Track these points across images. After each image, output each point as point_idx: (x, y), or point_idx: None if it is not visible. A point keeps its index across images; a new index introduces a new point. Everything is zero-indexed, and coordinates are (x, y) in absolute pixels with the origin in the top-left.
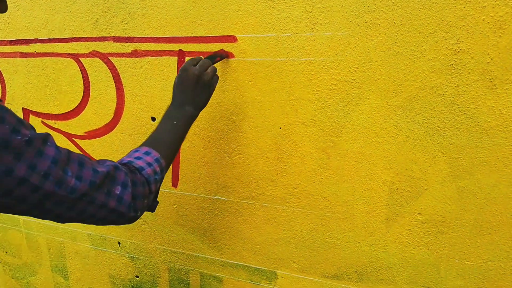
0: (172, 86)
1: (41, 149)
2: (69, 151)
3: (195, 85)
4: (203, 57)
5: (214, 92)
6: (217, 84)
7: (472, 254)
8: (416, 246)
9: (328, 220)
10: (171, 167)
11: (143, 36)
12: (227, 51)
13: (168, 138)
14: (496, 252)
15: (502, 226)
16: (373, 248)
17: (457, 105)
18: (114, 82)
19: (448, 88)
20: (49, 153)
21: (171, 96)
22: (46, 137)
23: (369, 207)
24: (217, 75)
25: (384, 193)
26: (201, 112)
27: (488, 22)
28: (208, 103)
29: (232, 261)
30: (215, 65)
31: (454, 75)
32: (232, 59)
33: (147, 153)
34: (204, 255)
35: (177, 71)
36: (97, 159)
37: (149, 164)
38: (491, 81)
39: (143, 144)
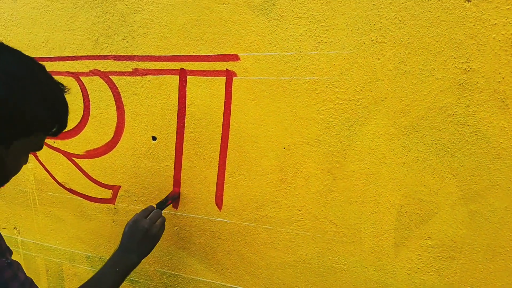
0: (127, 226)
1: (16, 272)
2: (32, 281)
3: (143, 237)
4: (155, 206)
5: (217, 111)
6: (217, 104)
7: (485, 280)
8: (426, 272)
9: (334, 244)
10: (172, 187)
11: (144, 54)
12: (178, 190)
13: (107, 284)
14: (510, 278)
15: None
16: (381, 273)
17: (468, 125)
18: (115, 101)
19: (458, 108)
20: (21, 277)
21: (172, 116)
22: (19, 265)
23: (376, 231)
24: (164, 225)
25: (393, 216)
26: (203, 132)
27: (499, 40)
28: (210, 123)
29: (234, 286)
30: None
31: (464, 95)
32: (235, 78)
33: None
34: (205, 279)
35: (179, 90)
36: (97, 179)
37: None
38: (503, 101)
39: (84, 285)
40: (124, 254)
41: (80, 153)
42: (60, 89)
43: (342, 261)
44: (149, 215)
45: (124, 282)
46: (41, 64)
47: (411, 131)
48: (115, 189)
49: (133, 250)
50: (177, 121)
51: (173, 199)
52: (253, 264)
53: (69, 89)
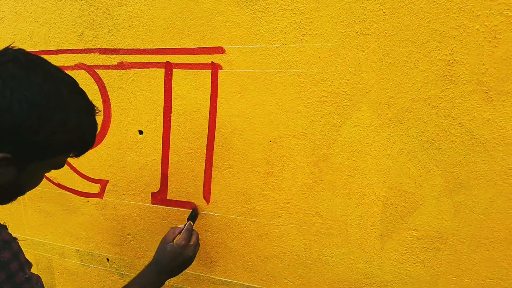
0: (169, 246)
1: (34, 287)
2: None
3: (183, 265)
4: (192, 223)
5: (203, 104)
6: (204, 97)
7: (470, 271)
8: (412, 263)
9: (321, 236)
10: (159, 181)
11: (129, 47)
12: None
13: None
14: (495, 269)
15: (500, 242)
16: (368, 265)
17: (452, 117)
18: (101, 94)
19: (442, 100)
20: None
21: (158, 109)
22: (38, 279)
23: (363, 223)
24: (199, 242)
25: (378, 208)
26: (189, 126)
27: (483, 32)
28: (197, 116)
29: (223, 279)
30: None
31: (448, 87)
32: (220, 70)
33: None
34: (194, 272)
35: (164, 83)
36: (84, 173)
37: None
38: (487, 92)
39: None
40: (160, 276)
41: None
42: (88, 111)
43: (329, 253)
44: (194, 240)
45: (114, 275)
46: (72, 84)
47: (395, 123)
48: (103, 183)
49: (169, 274)
50: (164, 115)
51: (196, 213)
52: (241, 256)
53: (100, 111)
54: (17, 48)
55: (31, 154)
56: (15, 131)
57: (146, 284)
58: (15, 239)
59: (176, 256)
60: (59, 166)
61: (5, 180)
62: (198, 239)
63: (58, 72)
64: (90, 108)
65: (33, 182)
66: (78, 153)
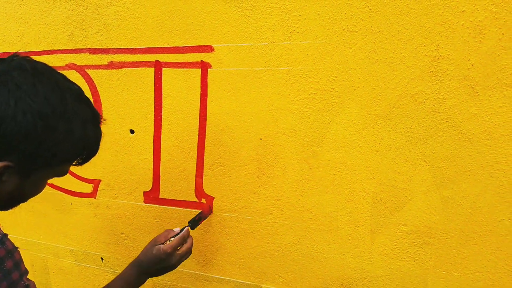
0: (155, 249)
1: None
2: None
3: (165, 269)
4: (189, 227)
5: (193, 103)
6: (194, 96)
7: (459, 265)
8: (402, 258)
9: (312, 232)
10: (151, 180)
11: (119, 47)
12: (209, 206)
13: None
14: (483, 263)
15: (489, 236)
16: (359, 260)
17: (439, 113)
18: (91, 94)
19: (429, 95)
20: None
21: (149, 108)
22: (34, 285)
23: (353, 218)
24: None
25: (368, 204)
26: (180, 125)
27: (468, 27)
28: (187, 115)
29: (216, 276)
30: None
31: (435, 82)
32: (210, 69)
33: None
34: (187, 270)
35: (154, 82)
36: (77, 173)
37: None
38: (473, 87)
39: None
40: (140, 276)
41: None
42: (93, 121)
43: (320, 249)
44: (183, 250)
45: (108, 274)
46: (77, 92)
47: (383, 119)
48: (96, 183)
49: (150, 275)
50: (154, 114)
51: (205, 216)
52: (234, 254)
53: (105, 120)
54: (23, 55)
55: (36, 163)
56: (20, 141)
57: (126, 284)
58: (17, 248)
59: (159, 260)
60: (62, 174)
61: (8, 188)
62: (189, 248)
63: (64, 81)
64: (96, 117)
65: (36, 189)
66: (82, 161)
